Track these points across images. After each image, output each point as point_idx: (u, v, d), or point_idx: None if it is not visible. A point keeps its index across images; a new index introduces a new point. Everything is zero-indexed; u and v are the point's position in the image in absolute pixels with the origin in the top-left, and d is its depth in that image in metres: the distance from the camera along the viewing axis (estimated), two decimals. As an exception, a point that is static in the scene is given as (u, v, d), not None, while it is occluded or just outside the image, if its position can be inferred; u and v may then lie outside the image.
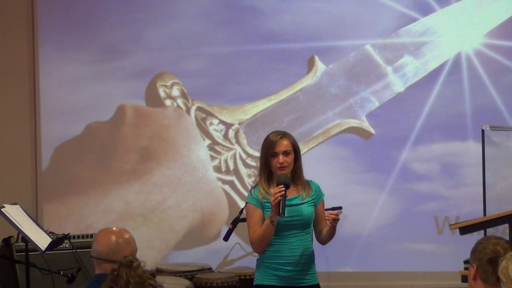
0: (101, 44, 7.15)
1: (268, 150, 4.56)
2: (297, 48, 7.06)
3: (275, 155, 4.55)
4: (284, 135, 4.60)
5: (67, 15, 7.13)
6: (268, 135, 4.64)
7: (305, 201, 4.60)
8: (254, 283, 4.66)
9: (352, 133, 7.07)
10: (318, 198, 4.65)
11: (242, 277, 6.40)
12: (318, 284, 4.67)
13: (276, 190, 4.42)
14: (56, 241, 5.30)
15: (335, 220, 4.49)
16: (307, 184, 4.65)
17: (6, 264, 5.87)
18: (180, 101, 7.15)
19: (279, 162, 4.53)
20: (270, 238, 4.52)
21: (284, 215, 4.39)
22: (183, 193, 7.08)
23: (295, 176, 4.60)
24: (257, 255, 4.67)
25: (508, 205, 5.94)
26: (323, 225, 4.65)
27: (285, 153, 4.55)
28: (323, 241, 4.67)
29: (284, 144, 4.55)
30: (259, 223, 4.54)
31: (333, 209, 6.72)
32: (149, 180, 7.08)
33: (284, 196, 4.41)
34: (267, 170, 4.59)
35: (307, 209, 4.59)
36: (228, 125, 7.15)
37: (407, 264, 6.96)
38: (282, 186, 4.43)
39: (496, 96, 6.93)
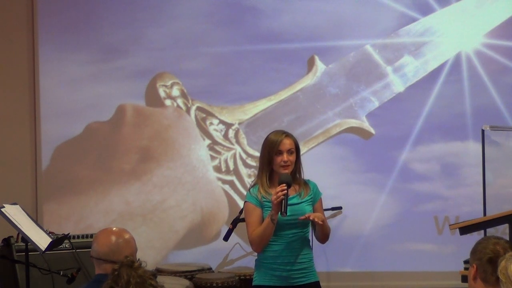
0: (101, 44, 7.15)
1: (273, 148, 4.56)
2: (297, 48, 7.06)
3: (280, 153, 4.55)
4: (287, 134, 4.62)
5: (67, 15, 7.13)
6: (269, 135, 4.65)
7: (303, 200, 4.61)
8: (253, 283, 4.67)
9: (352, 133, 7.07)
10: (315, 197, 4.67)
11: (242, 277, 6.40)
12: (318, 282, 4.67)
13: (278, 189, 4.43)
14: (56, 241, 5.30)
15: (310, 218, 4.50)
16: (305, 183, 4.66)
17: (6, 264, 5.87)
18: (180, 101, 7.15)
19: (283, 160, 4.54)
20: (270, 237, 4.52)
21: (286, 214, 4.40)
22: (183, 193, 7.08)
23: (295, 175, 4.62)
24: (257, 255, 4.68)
25: (508, 205, 5.95)
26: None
27: (289, 152, 4.57)
28: (320, 239, 4.68)
29: (288, 143, 4.58)
30: (258, 222, 4.55)
31: (333, 209, 6.78)
32: (149, 180, 7.08)
33: (286, 195, 4.42)
34: (269, 169, 4.60)
35: (306, 208, 4.60)
36: (228, 125, 7.15)
37: (407, 264, 6.96)
38: (284, 185, 4.44)
39: (496, 96, 6.93)
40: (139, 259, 3.11)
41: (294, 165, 4.60)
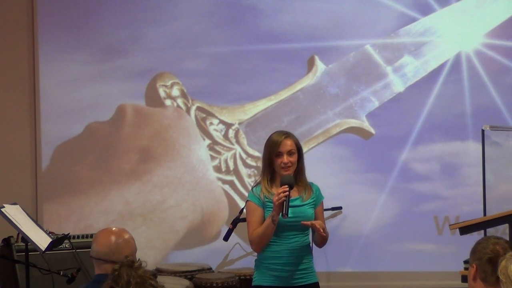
0: (101, 44, 7.14)
1: (273, 149, 4.55)
2: (297, 48, 7.06)
3: (280, 154, 4.55)
4: (288, 135, 4.61)
5: (67, 15, 7.13)
6: (271, 135, 4.64)
7: (305, 202, 4.60)
8: (253, 283, 4.67)
9: (352, 133, 7.07)
10: (317, 200, 4.66)
11: (242, 277, 6.40)
12: (318, 283, 4.67)
13: (279, 190, 4.42)
14: (56, 241, 5.30)
15: (316, 227, 4.51)
16: (308, 186, 4.65)
17: (6, 264, 5.88)
18: (180, 101, 7.15)
19: (283, 162, 4.53)
20: (270, 238, 4.52)
21: (287, 215, 4.40)
22: (183, 193, 7.08)
23: (297, 176, 4.60)
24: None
25: (508, 205, 5.94)
26: (320, 228, 4.65)
27: (290, 153, 4.56)
28: (318, 244, 4.68)
29: (289, 144, 4.56)
30: (259, 222, 4.55)
31: (333, 209, 6.78)
32: (149, 180, 7.08)
33: (288, 196, 4.41)
34: (270, 170, 4.59)
35: (308, 211, 4.59)
36: (228, 125, 7.15)
37: (407, 264, 6.96)
38: (286, 186, 4.43)
39: (496, 96, 6.93)
40: (139, 259, 3.11)
41: (297, 165, 4.59)
